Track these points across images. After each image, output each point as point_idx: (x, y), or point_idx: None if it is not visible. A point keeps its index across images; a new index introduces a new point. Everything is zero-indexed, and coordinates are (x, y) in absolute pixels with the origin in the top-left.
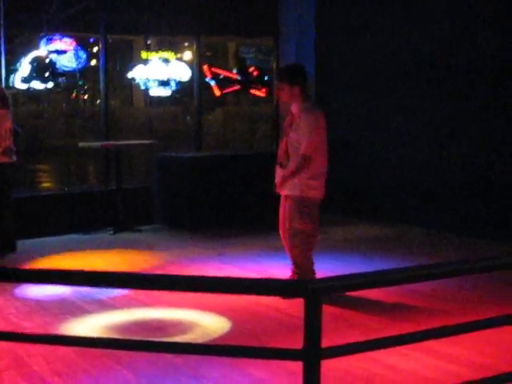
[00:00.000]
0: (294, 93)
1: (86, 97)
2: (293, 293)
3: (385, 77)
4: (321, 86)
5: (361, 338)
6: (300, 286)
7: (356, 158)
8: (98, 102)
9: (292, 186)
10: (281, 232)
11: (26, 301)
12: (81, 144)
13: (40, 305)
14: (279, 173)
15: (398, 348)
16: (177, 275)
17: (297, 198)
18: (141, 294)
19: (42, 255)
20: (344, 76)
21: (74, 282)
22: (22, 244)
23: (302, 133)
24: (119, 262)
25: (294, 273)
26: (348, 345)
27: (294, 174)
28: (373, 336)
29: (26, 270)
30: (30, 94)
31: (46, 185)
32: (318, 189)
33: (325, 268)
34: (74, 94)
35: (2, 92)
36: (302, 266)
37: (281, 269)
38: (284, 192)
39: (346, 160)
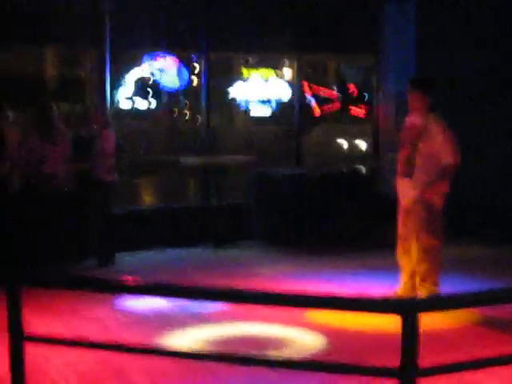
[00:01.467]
0: (424, 102)
1: (187, 116)
2: (389, 310)
3: (491, 97)
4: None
5: (459, 358)
6: (397, 303)
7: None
8: (200, 121)
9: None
10: (399, 249)
11: (126, 313)
12: (182, 160)
13: (139, 317)
14: (403, 183)
15: (501, 370)
16: (274, 292)
17: (427, 206)
18: (238, 308)
19: (143, 268)
20: (445, 95)
21: (172, 295)
22: (122, 258)
23: (441, 142)
24: (215, 277)
25: (409, 289)
26: (446, 365)
27: (434, 183)
28: (471, 356)
29: (126, 281)
30: (134, 112)
31: (147, 198)
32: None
33: None
34: (176, 113)
35: (105, 113)
36: (429, 280)
37: (379, 287)
38: (408, 200)
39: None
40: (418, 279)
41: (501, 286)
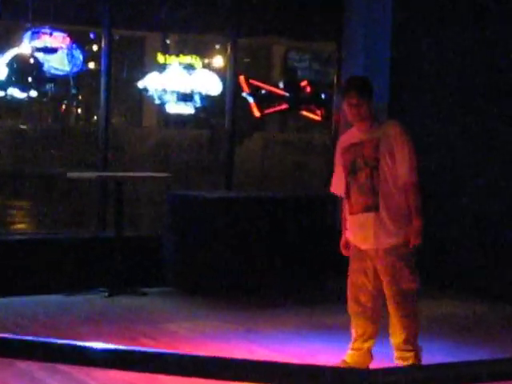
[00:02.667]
0: (371, 111)
1: (79, 111)
2: None
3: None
4: (396, 106)
5: None
6: (355, 377)
7: (438, 205)
8: (96, 118)
9: (395, 233)
10: (353, 306)
11: None
12: (70, 174)
13: None
14: (371, 220)
15: None
16: (191, 355)
17: (403, 247)
18: (140, 379)
19: (10, 322)
20: (425, 95)
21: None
22: None
23: (401, 156)
24: (111, 336)
25: (398, 358)
26: None
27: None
28: None
29: None
30: (7, 104)
31: (20, 226)
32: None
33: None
34: (63, 107)
35: None
36: (416, 344)
37: (331, 354)
38: (383, 244)
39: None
40: (397, 340)
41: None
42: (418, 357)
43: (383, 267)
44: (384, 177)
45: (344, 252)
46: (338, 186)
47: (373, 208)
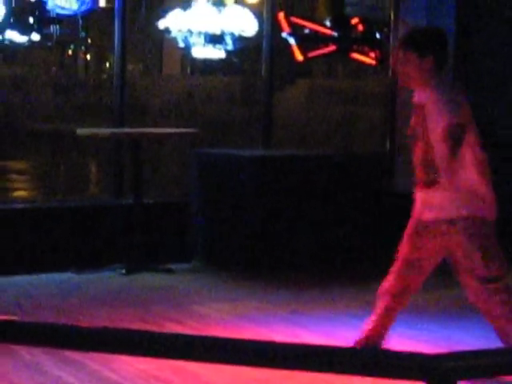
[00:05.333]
0: (423, 68)
1: (88, 57)
2: (411, 374)
3: None
4: (464, 58)
5: None
6: (422, 363)
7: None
8: (108, 66)
9: (456, 203)
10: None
11: None
12: (80, 131)
13: None
14: (423, 195)
15: None
16: (224, 339)
17: (469, 222)
18: (166, 369)
19: (18, 302)
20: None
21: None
22: None
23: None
24: (130, 320)
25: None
26: None
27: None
28: None
29: None
30: (5, 50)
31: (20, 193)
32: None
33: (464, 340)
34: (70, 52)
35: None
36: None
37: (390, 339)
38: (433, 215)
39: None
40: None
41: None
42: None
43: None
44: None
45: None
46: None
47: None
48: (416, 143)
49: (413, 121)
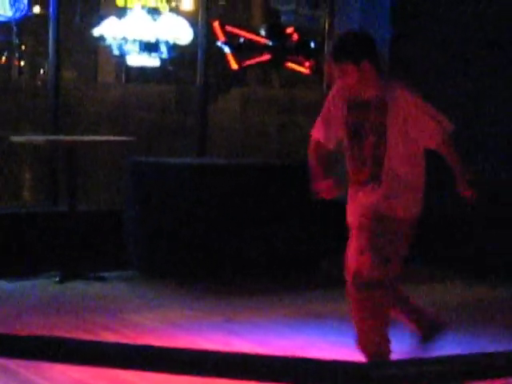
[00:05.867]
0: (364, 70)
1: (22, 63)
2: (336, 382)
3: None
4: (398, 59)
5: None
6: (358, 371)
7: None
8: (43, 72)
9: (411, 203)
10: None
11: None
12: (14, 138)
13: None
14: (367, 194)
15: None
16: (157, 347)
17: (412, 221)
18: (101, 378)
19: None
20: (434, 45)
21: None
22: None
23: (425, 114)
24: (64, 328)
25: None
26: None
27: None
28: None
29: None
30: None
31: None
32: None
33: (400, 347)
34: (3, 59)
35: None
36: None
37: (323, 347)
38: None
39: (431, 175)
40: None
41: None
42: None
43: None
44: (392, 146)
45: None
46: (328, 139)
47: (374, 180)
48: (361, 140)
49: (353, 118)
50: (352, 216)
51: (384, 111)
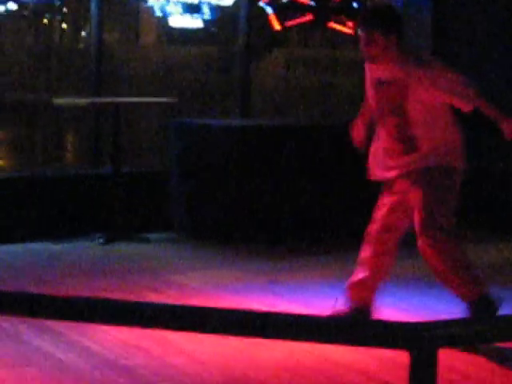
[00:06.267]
0: (390, 44)
1: (64, 26)
2: (394, 343)
3: None
4: (441, 33)
5: None
6: (404, 331)
7: (493, 139)
8: (85, 34)
9: (455, 155)
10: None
11: None
12: (57, 101)
13: None
14: (397, 161)
15: None
16: (203, 308)
17: (441, 171)
18: (146, 339)
19: None
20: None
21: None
22: None
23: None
24: (109, 290)
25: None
26: None
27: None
28: None
29: None
30: None
31: None
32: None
33: (444, 309)
34: (45, 21)
35: None
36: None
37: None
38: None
39: (476, 143)
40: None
41: None
42: None
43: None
44: (417, 124)
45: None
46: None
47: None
48: (384, 119)
49: (376, 97)
50: (390, 172)
51: (405, 93)
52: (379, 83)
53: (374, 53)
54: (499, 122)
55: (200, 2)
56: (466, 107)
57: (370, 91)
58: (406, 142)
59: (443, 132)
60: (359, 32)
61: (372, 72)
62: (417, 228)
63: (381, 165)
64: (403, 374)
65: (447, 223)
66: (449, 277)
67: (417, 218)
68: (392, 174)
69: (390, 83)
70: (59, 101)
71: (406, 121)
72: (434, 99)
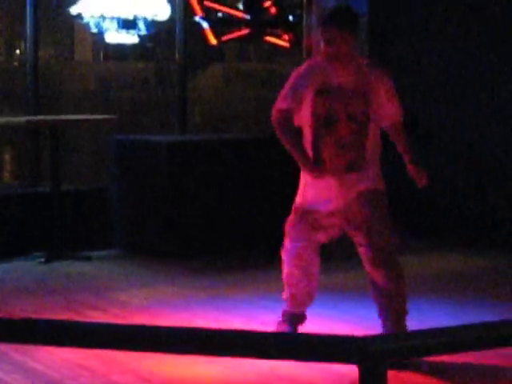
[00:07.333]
0: (353, 46)
1: None
2: (341, 357)
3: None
4: (376, 33)
5: None
6: (352, 345)
7: (432, 146)
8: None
9: (374, 176)
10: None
11: None
12: None
13: None
14: (345, 182)
15: None
16: (147, 327)
17: (382, 194)
18: (91, 358)
19: None
20: (412, 19)
21: None
22: None
23: (388, 95)
24: (51, 310)
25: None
26: None
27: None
28: None
29: None
30: None
31: None
32: None
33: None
34: None
35: None
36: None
37: (311, 322)
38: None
39: (415, 150)
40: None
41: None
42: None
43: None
44: (372, 132)
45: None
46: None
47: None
48: (336, 127)
49: (327, 103)
50: (338, 199)
51: (367, 100)
52: (338, 88)
53: (343, 51)
54: (409, 162)
55: (135, 18)
56: (396, 119)
57: (315, 99)
58: (357, 151)
59: (378, 150)
60: (322, 32)
61: (328, 77)
62: (366, 250)
63: (322, 195)
64: None
65: (394, 240)
66: (398, 293)
67: (365, 240)
68: (336, 204)
69: (354, 90)
70: None
71: (364, 128)
72: (382, 103)
